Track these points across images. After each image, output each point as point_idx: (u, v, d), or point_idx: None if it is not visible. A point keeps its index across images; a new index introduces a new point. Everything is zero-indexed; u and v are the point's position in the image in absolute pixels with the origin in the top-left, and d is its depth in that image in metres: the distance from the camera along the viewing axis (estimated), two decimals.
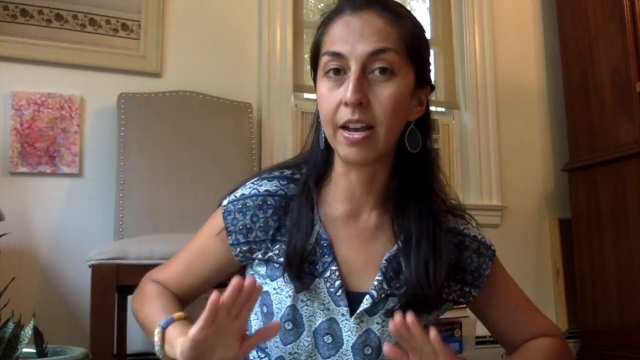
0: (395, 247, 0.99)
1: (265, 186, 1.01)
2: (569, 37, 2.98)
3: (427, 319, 1.01)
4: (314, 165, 1.02)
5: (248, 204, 1.00)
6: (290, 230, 0.98)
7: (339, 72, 0.93)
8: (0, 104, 2.20)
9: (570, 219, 2.93)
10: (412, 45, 0.96)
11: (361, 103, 0.90)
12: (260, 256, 1.00)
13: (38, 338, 1.18)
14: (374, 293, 0.96)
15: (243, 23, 2.61)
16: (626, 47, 2.61)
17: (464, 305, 1.11)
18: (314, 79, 1.01)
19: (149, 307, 1.02)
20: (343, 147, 0.93)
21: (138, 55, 2.41)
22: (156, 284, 1.06)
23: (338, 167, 1.01)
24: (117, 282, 1.68)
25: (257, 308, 1.01)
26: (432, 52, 3.10)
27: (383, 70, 0.92)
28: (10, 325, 1.10)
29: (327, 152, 1.01)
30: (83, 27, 2.35)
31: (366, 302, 0.96)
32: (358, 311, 0.96)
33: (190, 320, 0.95)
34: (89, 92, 2.32)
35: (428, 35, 3.36)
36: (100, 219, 2.22)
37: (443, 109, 3.08)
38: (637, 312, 2.56)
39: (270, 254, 0.99)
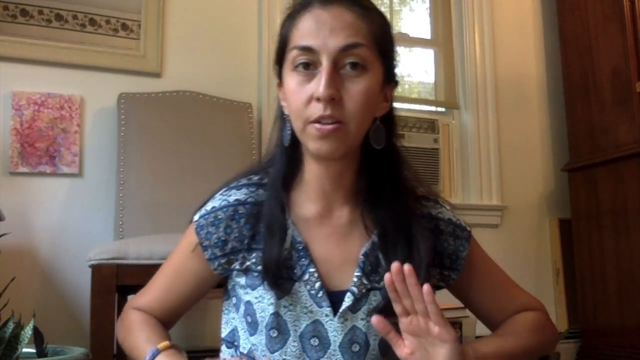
0: (370, 241, 0.99)
1: (235, 195, 1.00)
2: (569, 37, 2.98)
3: None
4: (280, 166, 1.01)
5: (220, 216, 0.99)
6: (263, 238, 0.97)
7: (309, 67, 0.92)
8: (0, 104, 2.20)
9: (570, 219, 2.93)
10: (382, 40, 0.96)
11: (333, 98, 0.89)
12: (238, 267, 0.99)
13: (38, 338, 1.18)
14: (355, 290, 0.96)
15: (243, 23, 2.61)
16: (626, 47, 2.61)
17: (462, 306, 1.11)
18: (279, 74, 1.00)
19: (133, 338, 1.01)
20: (313, 140, 0.92)
21: (138, 55, 2.41)
22: (138, 312, 1.05)
23: (307, 165, 1.00)
24: (117, 282, 1.68)
25: (241, 318, 1.00)
26: (432, 52, 3.10)
27: (354, 66, 0.92)
28: (10, 325, 1.10)
29: (293, 150, 1.00)
30: (83, 27, 2.35)
31: (348, 300, 0.95)
32: (341, 310, 0.95)
33: (176, 348, 0.96)
34: (89, 92, 2.32)
35: (428, 35, 3.36)
36: (100, 219, 2.22)
37: (443, 109, 3.08)
38: (637, 312, 2.56)
39: (247, 263, 0.98)
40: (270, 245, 0.96)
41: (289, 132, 0.98)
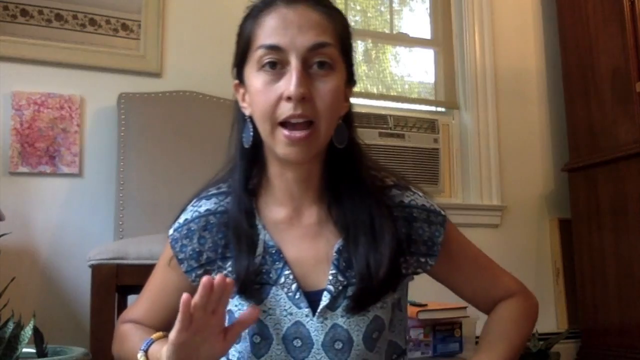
0: (341, 237, 0.98)
1: (205, 205, 1.01)
2: (569, 37, 2.98)
3: (394, 296, 1.00)
4: (241, 170, 1.00)
5: (192, 228, 1.00)
6: (233, 249, 0.97)
7: (275, 66, 0.91)
8: (0, 104, 2.20)
9: (570, 219, 2.93)
10: (345, 40, 0.96)
11: (304, 97, 0.89)
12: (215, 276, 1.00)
13: (38, 338, 1.18)
14: (331, 288, 0.95)
15: None
16: (626, 47, 2.61)
17: (462, 306, 1.11)
18: (238, 75, 0.98)
19: (127, 344, 1.02)
20: (283, 146, 0.91)
21: (138, 55, 2.41)
22: (129, 323, 1.06)
23: (272, 168, 0.99)
24: (117, 282, 1.68)
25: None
26: (432, 52, 3.11)
27: (322, 65, 0.91)
28: (10, 325, 1.10)
29: (254, 152, 0.99)
30: (83, 27, 2.35)
31: (325, 299, 0.95)
32: (319, 309, 0.95)
33: None
34: (89, 92, 2.31)
35: (428, 35, 3.36)
36: (100, 219, 2.22)
37: (443, 109, 3.08)
38: (637, 312, 2.56)
39: (224, 272, 0.98)
40: (239, 254, 0.96)
41: (250, 133, 0.97)
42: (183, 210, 1.04)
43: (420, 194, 1.03)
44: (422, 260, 1.01)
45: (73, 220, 2.23)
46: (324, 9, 0.94)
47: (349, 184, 0.99)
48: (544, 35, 3.20)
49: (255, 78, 0.93)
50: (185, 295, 0.79)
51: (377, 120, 2.70)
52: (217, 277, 0.80)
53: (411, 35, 3.09)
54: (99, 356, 1.55)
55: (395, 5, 3.10)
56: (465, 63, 3.01)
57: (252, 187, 1.02)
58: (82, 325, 2.04)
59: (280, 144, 0.91)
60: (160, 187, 2.13)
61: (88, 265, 1.70)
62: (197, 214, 1.01)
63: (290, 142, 0.90)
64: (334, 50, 0.93)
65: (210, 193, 1.03)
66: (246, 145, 0.98)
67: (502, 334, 1.04)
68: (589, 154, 2.81)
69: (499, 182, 2.97)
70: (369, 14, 3.04)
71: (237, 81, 1.00)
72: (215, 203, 1.01)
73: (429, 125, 2.85)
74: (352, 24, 2.94)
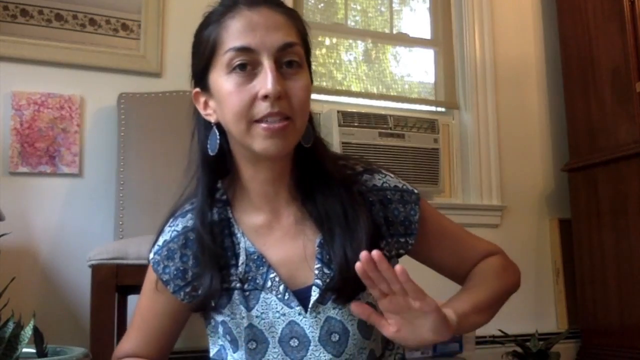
0: (321, 231, 0.98)
1: (182, 223, 1.01)
2: (569, 37, 2.98)
3: None
4: (205, 183, 1.00)
5: (172, 248, 1.00)
6: (201, 272, 0.97)
7: (245, 68, 0.91)
8: (0, 104, 2.20)
9: (570, 219, 2.93)
10: (307, 40, 0.98)
11: (280, 96, 0.90)
12: (202, 291, 0.99)
13: (38, 338, 1.18)
14: (319, 282, 0.95)
15: None
16: (626, 47, 2.61)
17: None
18: (199, 84, 0.98)
19: None
20: (261, 140, 0.91)
21: (138, 55, 2.41)
22: (125, 359, 1.06)
23: (245, 172, 0.99)
24: (117, 282, 1.68)
25: (223, 338, 1.01)
26: (432, 51, 3.11)
27: (291, 64, 0.93)
28: (10, 325, 1.10)
29: (218, 161, 0.99)
30: (83, 27, 2.35)
31: (314, 293, 0.95)
32: (310, 305, 0.95)
33: None
34: (89, 92, 2.31)
35: (428, 35, 3.35)
36: (100, 219, 2.22)
37: (443, 109, 3.08)
38: (637, 312, 2.56)
39: None
40: (202, 270, 0.97)
41: (217, 140, 0.97)
42: (160, 232, 1.03)
43: (392, 175, 1.05)
44: (402, 240, 1.02)
45: (73, 220, 2.23)
46: (285, 10, 0.96)
47: (317, 178, 0.99)
48: (544, 35, 3.20)
49: (226, 81, 0.92)
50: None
51: (377, 120, 2.69)
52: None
53: (411, 35, 3.09)
54: (99, 356, 1.56)
55: (395, 5, 3.10)
56: (465, 63, 3.01)
57: (227, 197, 1.02)
58: (82, 325, 2.04)
59: (258, 139, 0.91)
60: (160, 187, 2.13)
61: (88, 265, 1.71)
62: (175, 233, 1.01)
63: (270, 133, 0.90)
64: (300, 50, 0.95)
65: (185, 210, 1.03)
66: (212, 153, 0.98)
67: (479, 282, 1.04)
68: (589, 154, 2.81)
69: (499, 182, 2.97)
70: (369, 14, 3.04)
71: (197, 89, 0.99)
72: (191, 219, 1.01)
73: (429, 125, 2.84)
74: (352, 24, 2.95)
